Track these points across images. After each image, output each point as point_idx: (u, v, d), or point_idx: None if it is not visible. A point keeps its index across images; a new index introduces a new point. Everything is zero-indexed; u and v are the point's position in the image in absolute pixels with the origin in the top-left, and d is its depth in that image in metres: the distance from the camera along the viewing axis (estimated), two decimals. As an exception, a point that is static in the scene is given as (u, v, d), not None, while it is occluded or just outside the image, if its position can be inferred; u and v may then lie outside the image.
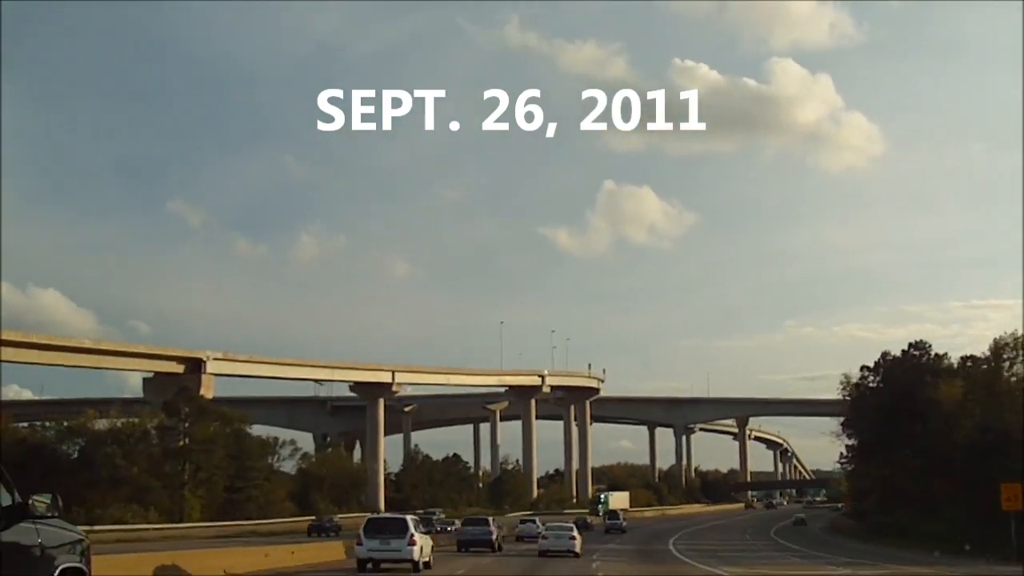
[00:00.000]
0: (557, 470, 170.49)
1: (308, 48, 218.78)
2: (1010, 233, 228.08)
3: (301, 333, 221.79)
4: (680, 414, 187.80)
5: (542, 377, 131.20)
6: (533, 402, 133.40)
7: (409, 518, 33.84)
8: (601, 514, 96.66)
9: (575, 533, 45.27)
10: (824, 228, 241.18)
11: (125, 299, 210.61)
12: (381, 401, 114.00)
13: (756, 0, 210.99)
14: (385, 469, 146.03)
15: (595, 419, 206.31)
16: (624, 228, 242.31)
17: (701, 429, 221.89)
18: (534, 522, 64.33)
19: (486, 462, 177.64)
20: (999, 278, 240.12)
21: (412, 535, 31.31)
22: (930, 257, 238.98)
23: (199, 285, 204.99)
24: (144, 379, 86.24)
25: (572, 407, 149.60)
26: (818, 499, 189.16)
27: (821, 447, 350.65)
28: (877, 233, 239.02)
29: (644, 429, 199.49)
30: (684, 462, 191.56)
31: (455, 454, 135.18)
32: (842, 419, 79.61)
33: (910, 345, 73.65)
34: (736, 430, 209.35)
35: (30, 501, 8.97)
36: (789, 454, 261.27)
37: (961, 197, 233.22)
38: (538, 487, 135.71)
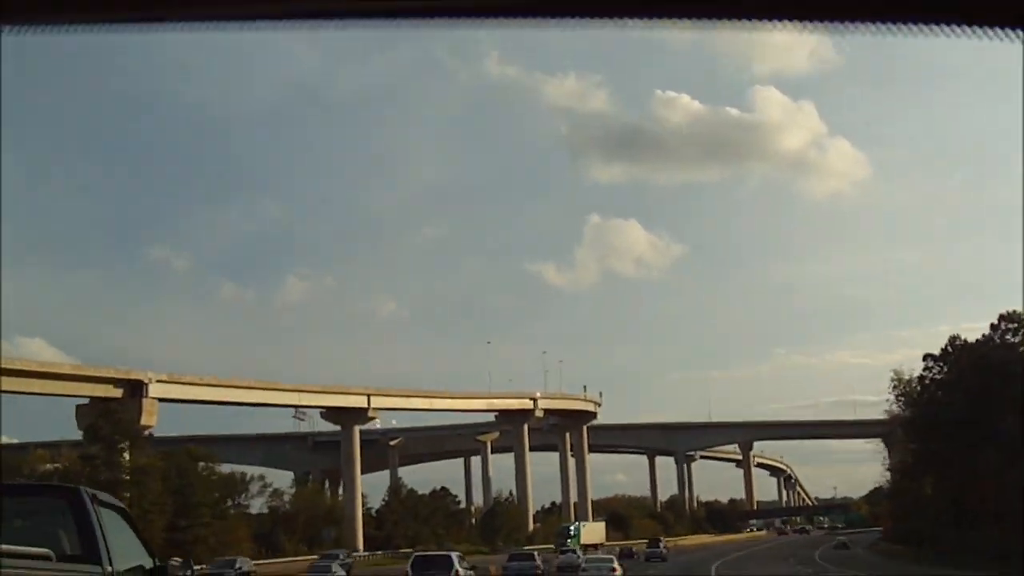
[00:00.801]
0: (554, 503, 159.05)
1: (285, 91, 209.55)
2: (996, 258, 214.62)
3: (286, 372, 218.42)
4: (681, 440, 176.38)
5: (534, 400, 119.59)
6: (525, 428, 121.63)
7: (454, 555, 35.97)
8: (564, 550, 76.69)
9: (615, 564, 45.93)
10: (810, 255, 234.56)
11: (112, 346, 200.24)
12: (356, 429, 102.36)
13: (735, 31, 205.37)
14: (365, 505, 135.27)
15: (592, 448, 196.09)
16: (611, 261, 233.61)
17: (703, 457, 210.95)
18: (574, 551, 67.28)
19: (479, 497, 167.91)
20: (987, 303, 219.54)
21: (456, 570, 33.46)
22: (916, 282, 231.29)
23: (186, 331, 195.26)
24: (77, 406, 74.41)
25: (567, 434, 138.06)
26: (839, 525, 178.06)
27: (821, 475, 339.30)
28: (863, 259, 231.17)
29: (639, 462, 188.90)
30: (687, 491, 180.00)
31: (443, 488, 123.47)
32: (886, 431, 67.87)
33: (1001, 317, 61.41)
34: (739, 456, 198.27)
35: (169, 563, 11.74)
36: (792, 481, 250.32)
37: (946, 222, 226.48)
38: (534, 521, 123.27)
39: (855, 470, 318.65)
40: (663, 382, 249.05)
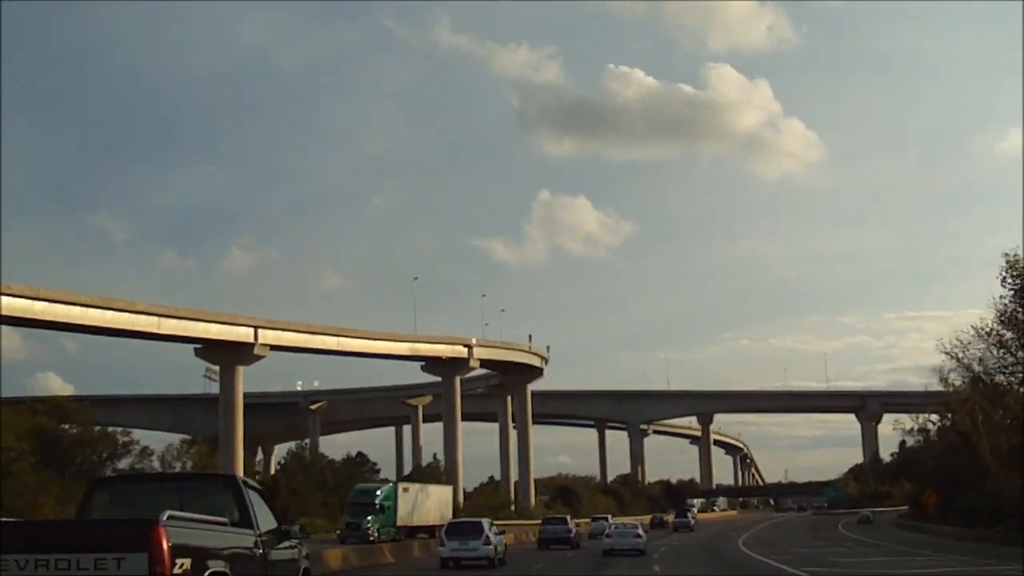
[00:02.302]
0: (492, 478, 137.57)
1: (233, 60, 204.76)
2: (944, 245, 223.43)
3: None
4: (635, 410, 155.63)
5: (468, 348, 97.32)
6: (457, 383, 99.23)
7: (484, 521, 37.26)
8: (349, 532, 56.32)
9: (640, 532, 45.48)
10: (760, 237, 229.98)
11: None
12: (240, 370, 79.31)
13: (692, 0, 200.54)
14: (266, 471, 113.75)
15: (536, 418, 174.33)
16: (560, 239, 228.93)
17: (656, 432, 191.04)
18: (606, 519, 67.69)
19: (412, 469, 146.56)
20: (933, 289, 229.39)
21: (487, 535, 35.18)
22: (865, 268, 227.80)
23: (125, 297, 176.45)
24: None
25: (509, 397, 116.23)
26: (824, 505, 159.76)
27: (767, 460, 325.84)
28: (812, 243, 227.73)
29: (584, 442, 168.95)
30: (640, 467, 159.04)
31: (359, 453, 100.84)
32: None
33: None
34: (697, 431, 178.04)
35: (291, 527, 13.42)
36: (748, 461, 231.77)
37: (896, 207, 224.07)
38: (465, 496, 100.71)
39: (797, 455, 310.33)
40: (613, 361, 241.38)
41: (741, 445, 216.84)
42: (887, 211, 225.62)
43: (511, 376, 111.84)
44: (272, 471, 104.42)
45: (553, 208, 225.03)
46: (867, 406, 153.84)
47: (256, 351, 77.73)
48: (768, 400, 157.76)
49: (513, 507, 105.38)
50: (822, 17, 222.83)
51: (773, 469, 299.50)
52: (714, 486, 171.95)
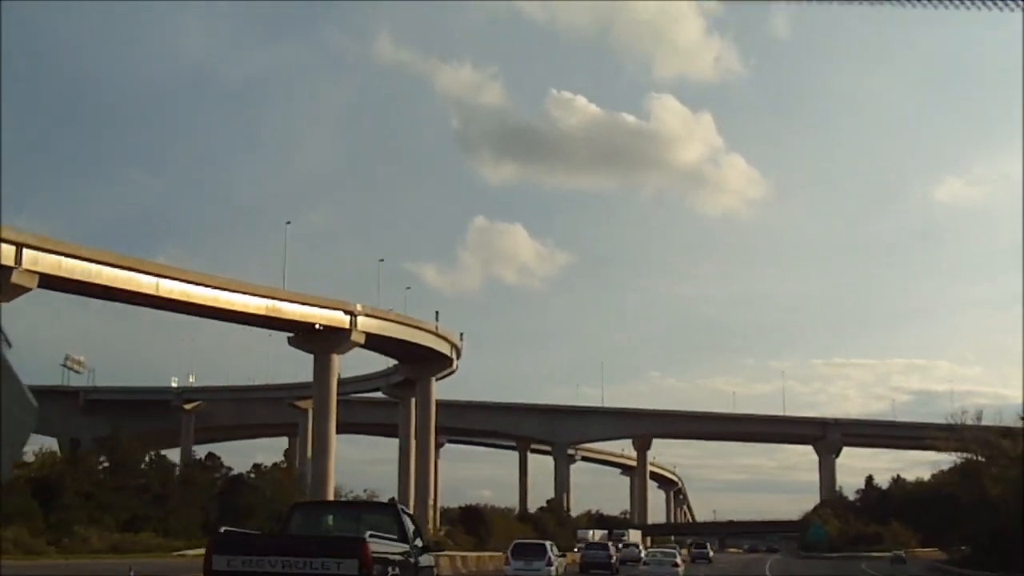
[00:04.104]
0: (393, 500, 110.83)
1: (171, 71, 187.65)
2: (876, 291, 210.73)
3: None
4: (564, 429, 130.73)
5: (351, 315, 71.57)
6: (335, 361, 73.19)
7: (548, 543, 40.68)
8: None
9: (678, 560, 46.74)
10: (697, 274, 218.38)
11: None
12: (-7, 307, 52.35)
13: (640, 24, 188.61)
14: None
15: (450, 434, 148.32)
16: (495, 267, 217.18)
17: (585, 458, 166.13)
18: (636, 546, 72.61)
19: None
20: (860, 337, 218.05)
21: (549, 557, 37.91)
22: (798, 312, 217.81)
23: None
24: None
25: (414, 402, 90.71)
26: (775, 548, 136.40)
27: (697, 500, 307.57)
28: (749, 282, 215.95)
29: (510, 474, 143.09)
30: (567, 495, 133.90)
31: (158, 454, 74.00)
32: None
33: None
34: (632, 460, 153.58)
35: (425, 543, 17.40)
36: (682, 497, 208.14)
37: (832, 252, 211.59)
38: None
39: (723, 495, 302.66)
40: (535, 396, 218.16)
41: (676, 479, 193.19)
42: (823, 255, 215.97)
43: (412, 366, 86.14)
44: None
45: (489, 235, 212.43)
46: (827, 435, 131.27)
47: (16, 278, 50.91)
48: (717, 424, 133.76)
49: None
50: (770, 51, 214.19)
51: (699, 510, 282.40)
52: (647, 520, 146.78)
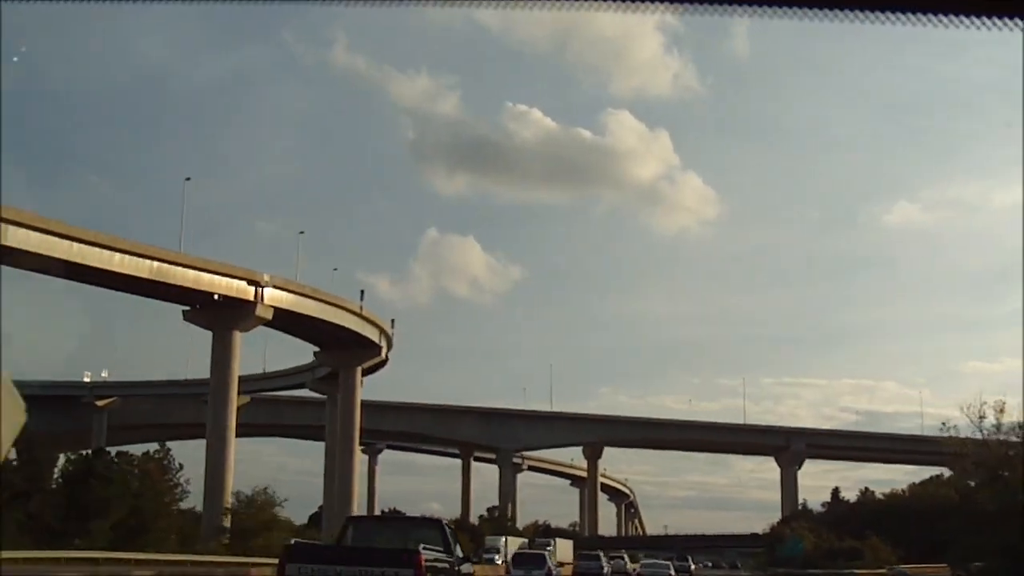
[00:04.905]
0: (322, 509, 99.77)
1: (125, 77, 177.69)
2: (825, 313, 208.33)
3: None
4: (507, 435, 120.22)
5: (257, 286, 60.55)
6: (236, 338, 61.96)
7: (547, 552, 43.39)
8: None
9: (671, 571, 49.66)
10: (650, 291, 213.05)
11: None
12: None
13: (598, 39, 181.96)
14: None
15: (385, 437, 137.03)
16: (446, 280, 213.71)
17: (532, 468, 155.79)
18: (622, 558, 72.62)
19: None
20: (810, 357, 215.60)
21: (549, 566, 39.65)
22: (749, 331, 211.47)
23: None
24: None
25: (339, 398, 79.68)
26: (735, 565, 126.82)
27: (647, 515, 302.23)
28: (701, 301, 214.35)
29: (457, 487, 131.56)
30: (511, 506, 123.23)
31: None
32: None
33: None
34: (582, 471, 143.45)
35: (466, 554, 19.57)
36: (634, 510, 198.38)
37: (784, 273, 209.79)
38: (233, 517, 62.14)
39: (675, 513, 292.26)
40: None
41: (628, 491, 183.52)
42: (775, 275, 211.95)
43: (334, 354, 75.15)
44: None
45: (441, 247, 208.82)
46: (791, 445, 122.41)
47: None
48: (673, 431, 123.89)
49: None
50: (729, 70, 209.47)
51: (651, 527, 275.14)
52: (597, 531, 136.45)
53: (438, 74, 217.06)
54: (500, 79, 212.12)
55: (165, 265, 56.09)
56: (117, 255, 53.67)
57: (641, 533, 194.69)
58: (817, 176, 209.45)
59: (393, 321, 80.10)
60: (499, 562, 60.85)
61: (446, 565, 16.50)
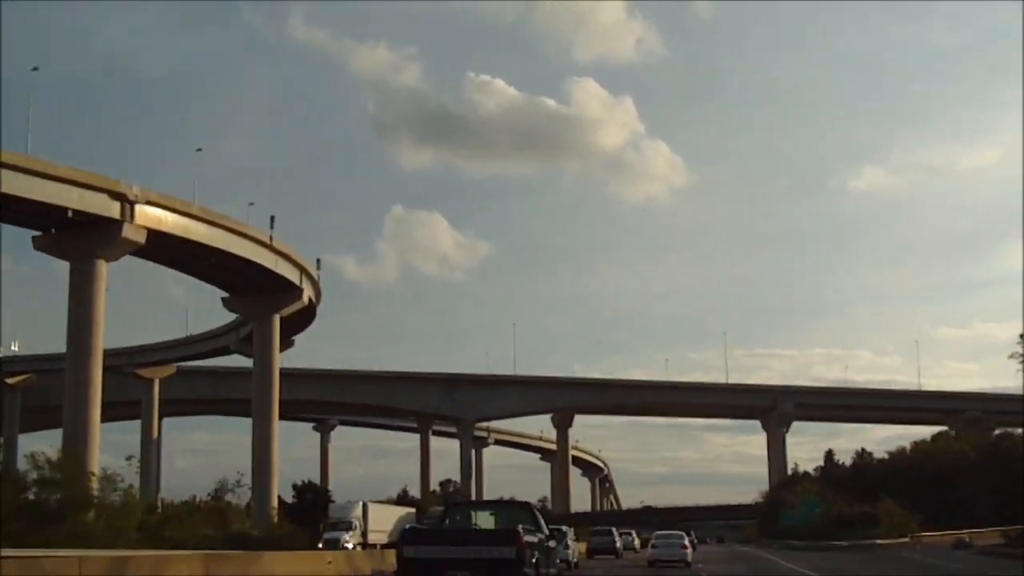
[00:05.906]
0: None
1: (87, 63, 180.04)
2: (796, 282, 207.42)
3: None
4: (469, 403, 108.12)
5: (124, 202, 47.47)
6: (101, 268, 48.75)
7: (565, 528, 40.98)
8: None
9: (686, 542, 44.54)
10: (618, 266, 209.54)
11: None
12: None
13: (562, 2, 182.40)
14: None
15: (341, 410, 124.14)
16: (414, 258, 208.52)
17: (499, 441, 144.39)
18: (630, 534, 68.39)
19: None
20: (781, 327, 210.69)
21: (568, 541, 38.45)
22: (720, 302, 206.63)
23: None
24: None
25: (254, 353, 66.54)
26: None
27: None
28: (669, 274, 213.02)
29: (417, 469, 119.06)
30: (475, 482, 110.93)
31: None
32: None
33: None
34: (551, 444, 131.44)
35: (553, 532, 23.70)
36: (608, 485, 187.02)
37: (753, 241, 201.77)
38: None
39: (651, 490, 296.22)
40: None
41: (601, 464, 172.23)
42: (744, 244, 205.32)
43: (243, 299, 62.19)
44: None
45: (407, 224, 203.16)
46: (778, 406, 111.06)
47: None
48: (650, 394, 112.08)
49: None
50: (692, 33, 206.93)
51: (626, 503, 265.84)
52: (570, 510, 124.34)
53: (399, 46, 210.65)
54: (462, 49, 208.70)
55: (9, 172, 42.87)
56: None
57: (616, 508, 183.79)
58: (785, 140, 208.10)
59: (319, 261, 67.20)
60: (349, 545, 47.39)
61: (536, 541, 19.03)
